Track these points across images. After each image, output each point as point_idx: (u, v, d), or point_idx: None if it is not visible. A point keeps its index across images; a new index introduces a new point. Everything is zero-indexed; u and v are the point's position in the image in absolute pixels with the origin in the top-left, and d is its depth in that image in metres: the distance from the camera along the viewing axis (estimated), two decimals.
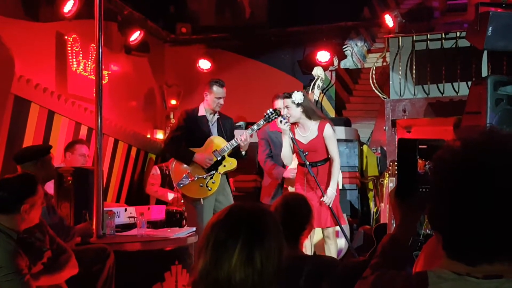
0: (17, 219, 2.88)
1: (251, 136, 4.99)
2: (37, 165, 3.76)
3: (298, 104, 4.64)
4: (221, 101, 5.03)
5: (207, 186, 4.90)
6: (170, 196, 6.36)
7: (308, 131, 4.73)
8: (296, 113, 4.66)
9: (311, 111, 4.76)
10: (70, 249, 3.25)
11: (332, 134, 4.72)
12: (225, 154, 4.95)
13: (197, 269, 1.41)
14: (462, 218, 1.07)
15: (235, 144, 4.93)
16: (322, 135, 4.68)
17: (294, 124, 4.75)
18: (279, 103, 5.22)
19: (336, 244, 4.82)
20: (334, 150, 4.72)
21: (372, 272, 1.37)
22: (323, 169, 4.73)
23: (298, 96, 4.64)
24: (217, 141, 4.98)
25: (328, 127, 4.70)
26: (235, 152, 5.00)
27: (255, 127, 4.95)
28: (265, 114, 4.96)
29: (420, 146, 1.36)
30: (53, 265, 3.08)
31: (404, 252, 1.43)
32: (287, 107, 4.68)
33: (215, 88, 5.00)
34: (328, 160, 4.75)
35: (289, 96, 4.67)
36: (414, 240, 5.22)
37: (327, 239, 4.74)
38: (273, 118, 4.97)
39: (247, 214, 1.46)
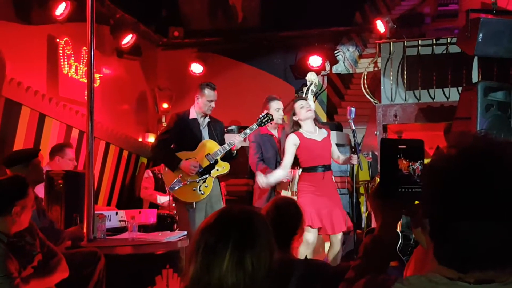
0: (8, 222, 2.87)
1: (244, 140, 4.99)
2: (27, 169, 3.75)
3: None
4: (213, 104, 5.00)
5: (200, 190, 4.87)
6: (164, 199, 6.34)
7: (317, 131, 4.80)
8: (313, 105, 4.74)
9: (316, 114, 4.95)
10: (60, 253, 3.23)
11: None
12: (218, 157, 4.94)
13: (188, 275, 1.40)
14: (456, 228, 1.07)
15: (228, 148, 4.92)
16: (329, 137, 4.84)
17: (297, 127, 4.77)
18: (274, 105, 5.23)
19: (341, 249, 4.80)
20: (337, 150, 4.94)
21: (355, 273, 1.37)
22: (331, 175, 4.80)
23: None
24: (210, 145, 4.97)
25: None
26: (226, 154, 4.99)
27: (247, 131, 4.94)
28: (257, 118, 4.97)
29: (399, 146, 1.36)
30: (44, 269, 3.06)
31: (386, 252, 1.43)
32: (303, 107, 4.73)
33: (206, 91, 4.98)
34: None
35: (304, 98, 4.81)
36: (405, 245, 5.23)
37: (336, 244, 4.68)
38: (266, 122, 4.98)
39: (237, 217, 1.45)
